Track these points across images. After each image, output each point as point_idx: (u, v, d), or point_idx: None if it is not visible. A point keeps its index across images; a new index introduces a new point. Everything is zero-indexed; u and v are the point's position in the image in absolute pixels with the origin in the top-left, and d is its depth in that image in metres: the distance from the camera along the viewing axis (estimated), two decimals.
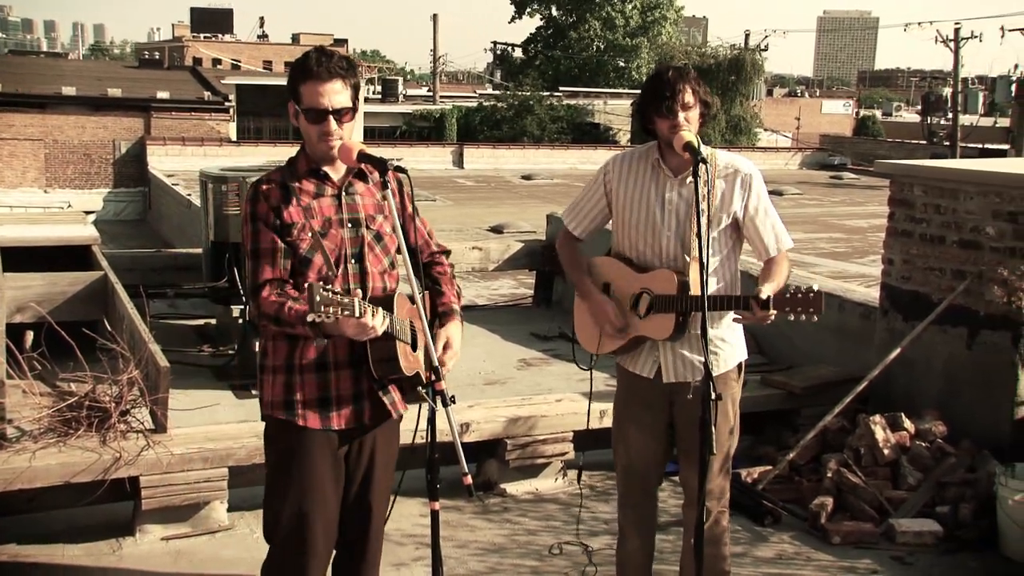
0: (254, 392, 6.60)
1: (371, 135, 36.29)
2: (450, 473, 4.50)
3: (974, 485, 4.70)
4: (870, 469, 4.92)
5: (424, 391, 2.91)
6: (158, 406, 4.48)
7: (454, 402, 2.90)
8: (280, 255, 2.94)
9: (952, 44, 38.65)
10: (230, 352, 7.48)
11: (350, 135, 2.99)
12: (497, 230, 18.49)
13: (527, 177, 31.55)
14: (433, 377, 2.89)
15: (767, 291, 3.26)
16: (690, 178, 3.38)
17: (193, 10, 68.10)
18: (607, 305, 3.52)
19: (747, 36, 45.54)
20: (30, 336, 6.28)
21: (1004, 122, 48.31)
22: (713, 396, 3.09)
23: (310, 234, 2.95)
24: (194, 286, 7.79)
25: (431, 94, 46.25)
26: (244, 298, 7.23)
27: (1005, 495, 4.38)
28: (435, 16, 47.77)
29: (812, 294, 3.20)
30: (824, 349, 6.29)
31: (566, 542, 4.55)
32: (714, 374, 3.49)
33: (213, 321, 8.25)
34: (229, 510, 4.63)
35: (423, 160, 32.02)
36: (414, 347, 3.09)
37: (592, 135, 41.06)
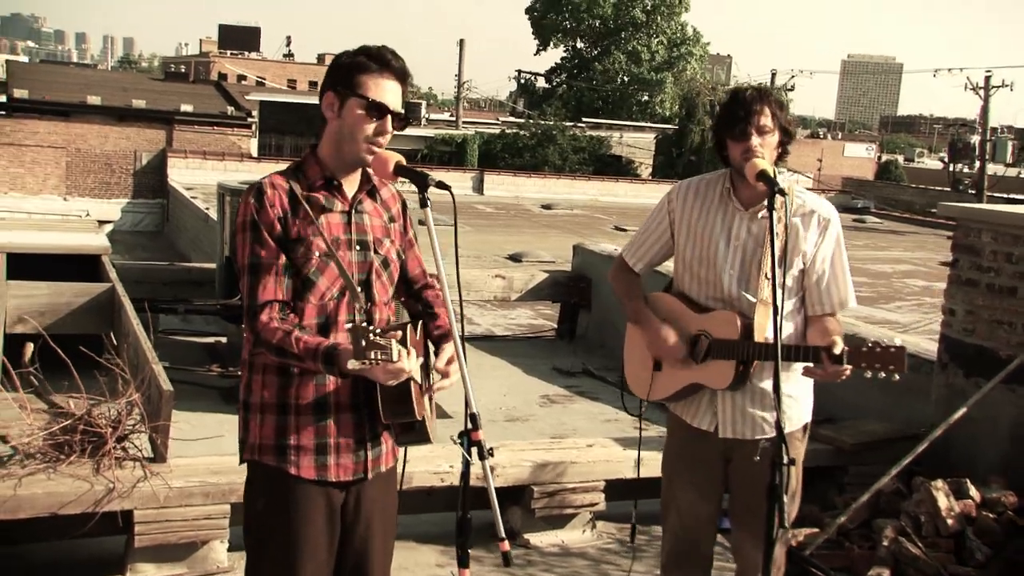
0: None
1: None
2: (475, 517, 4.06)
3: None
4: (931, 540, 4.49)
5: (459, 441, 2.52)
6: (158, 433, 4.10)
7: (492, 455, 2.52)
8: (283, 273, 2.54)
9: (982, 91, 38.32)
10: (239, 374, 7.12)
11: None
12: (516, 258, 18.16)
13: (547, 206, 31.26)
14: (470, 426, 2.51)
15: (841, 343, 2.88)
16: (762, 212, 3.02)
17: (221, 27, 68.56)
18: (667, 332, 3.12)
19: (773, 75, 45.34)
20: (30, 348, 5.95)
21: None
22: (786, 460, 2.71)
23: (317, 254, 2.55)
24: (206, 302, 7.45)
25: (453, 119, 46.12)
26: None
27: None
28: (462, 41, 47.78)
29: (894, 349, 2.83)
30: (868, 401, 5.86)
31: None
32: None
33: (224, 340, 7.91)
34: (230, 550, 4.24)
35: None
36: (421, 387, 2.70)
37: (614, 167, 40.77)
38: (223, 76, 54.43)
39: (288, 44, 68.64)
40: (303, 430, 2.57)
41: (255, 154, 30.59)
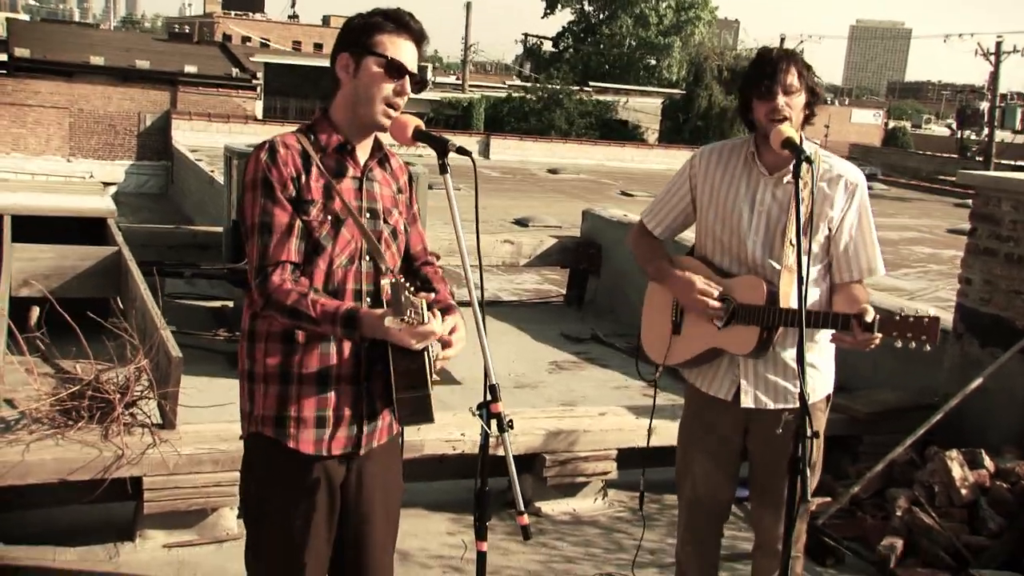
0: None
1: None
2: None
3: None
4: (944, 510, 4.46)
5: (478, 413, 2.46)
6: (167, 400, 4.06)
7: (511, 427, 2.47)
8: (297, 234, 2.44)
9: (992, 57, 37.96)
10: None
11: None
12: (522, 223, 18.08)
13: (553, 171, 31.09)
14: (490, 397, 2.45)
15: (872, 311, 2.82)
16: (787, 178, 2.95)
17: None
18: (692, 277, 3.03)
19: (782, 40, 44.89)
20: (36, 312, 5.89)
21: None
22: (809, 433, 2.65)
23: (330, 218, 2.46)
24: (213, 266, 7.39)
25: (460, 83, 45.78)
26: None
27: None
28: (468, 4, 47.32)
29: (927, 320, 2.77)
30: (879, 371, 5.81)
31: (608, 574, 4.12)
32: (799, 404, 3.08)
33: (231, 304, 7.85)
34: (239, 517, 4.21)
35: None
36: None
37: (620, 132, 40.49)
38: (227, 37, 53.99)
39: (293, 5, 68.02)
40: (304, 401, 2.49)
41: (260, 116, 30.38)
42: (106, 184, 16.30)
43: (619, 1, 53.84)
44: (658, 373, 3.19)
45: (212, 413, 4.55)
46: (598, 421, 4.79)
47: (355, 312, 2.36)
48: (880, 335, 2.80)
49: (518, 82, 48.35)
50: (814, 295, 3.04)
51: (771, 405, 3.08)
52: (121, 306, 5.09)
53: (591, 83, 44.76)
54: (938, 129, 69.10)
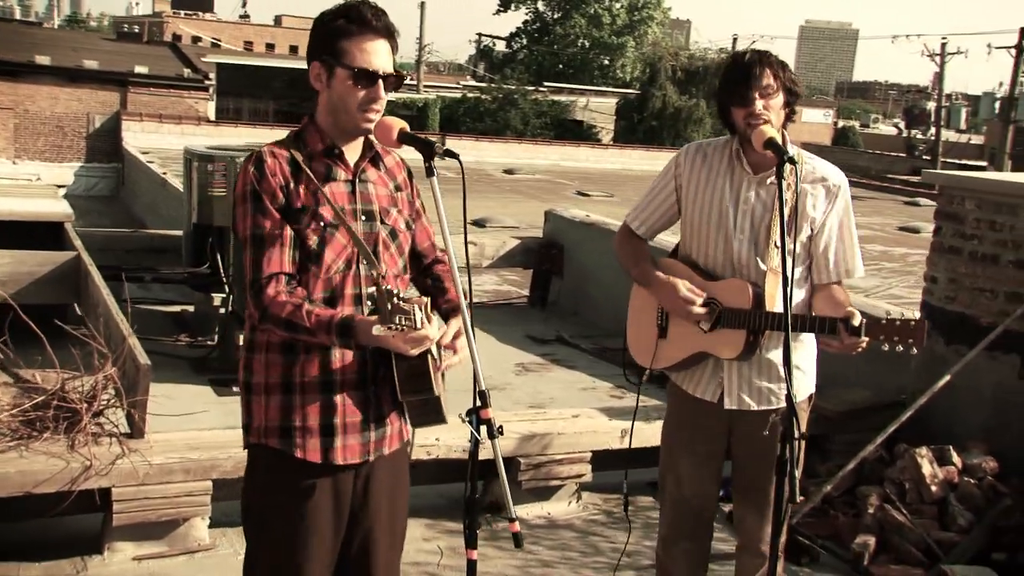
0: (235, 389, 6.14)
1: None
2: (455, 491, 3.98)
3: None
4: (915, 507, 4.51)
5: (467, 419, 2.44)
6: (136, 409, 3.97)
7: (501, 433, 2.45)
8: (289, 244, 2.42)
9: (937, 58, 38.63)
10: (209, 343, 6.98)
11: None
12: (479, 224, 18.00)
13: (509, 171, 31.03)
14: (479, 403, 2.42)
15: (859, 315, 2.83)
16: (771, 178, 2.95)
17: None
18: (676, 282, 3.01)
19: (735, 40, 45.42)
20: None
21: (977, 139, 48.65)
22: (797, 435, 2.65)
23: (323, 224, 2.44)
24: (173, 270, 7.26)
25: (414, 83, 45.61)
26: (228, 287, 6.74)
27: None
28: (423, 3, 47.13)
29: (913, 323, 2.78)
30: (848, 369, 5.86)
31: None
32: (783, 405, 3.08)
33: (191, 308, 7.73)
34: (211, 526, 4.14)
35: (403, 150, 31.27)
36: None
37: (575, 132, 40.58)
38: (177, 37, 53.25)
39: (244, 5, 67.33)
40: (309, 410, 2.46)
41: (213, 118, 29.96)
42: (56, 187, 15.95)
43: (572, 1, 54.03)
44: (645, 377, 3.18)
45: (179, 421, 4.47)
46: (571, 424, 4.77)
47: (349, 320, 2.33)
48: (867, 339, 2.80)
49: (473, 82, 48.29)
50: (798, 296, 3.05)
51: (755, 406, 3.08)
52: (80, 312, 4.98)
53: (545, 83, 44.85)
54: (886, 128, 70.09)
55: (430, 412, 2.58)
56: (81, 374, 4.06)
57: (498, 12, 55.65)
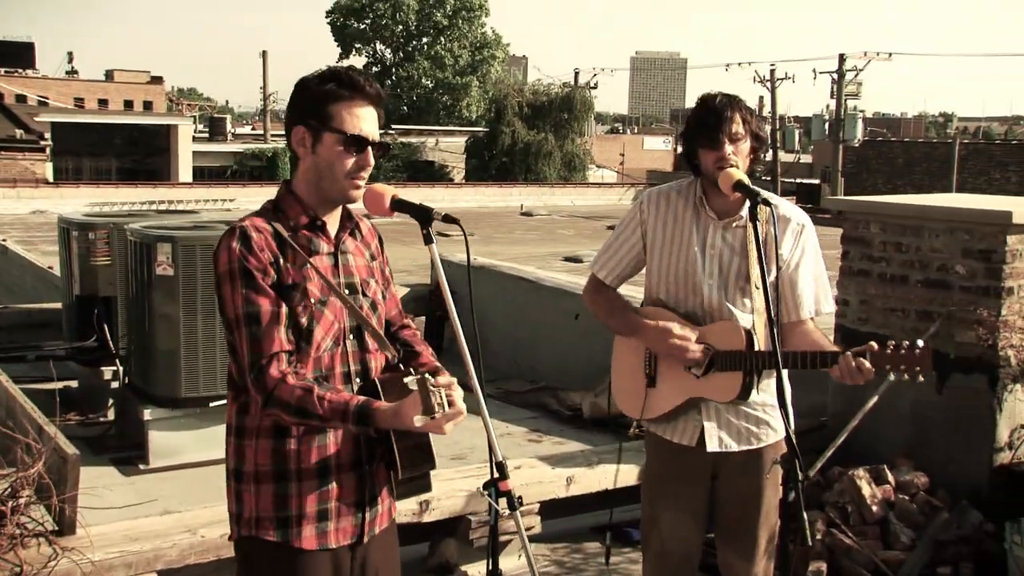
0: (141, 466, 5.80)
1: (201, 175, 34.66)
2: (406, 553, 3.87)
3: (968, 542, 4.45)
4: (858, 528, 4.60)
5: (486, 492, 2.34)
6: (68, 504, 3.67)
7: (521, 503, 2.36)
8: (284, 321, 2.29)
9: (768, 84, 40.50)
10: (102, 420, 6.57)
11: None
12: None
13: (367, 216, 30.79)
14: (497, 475, 2.33)
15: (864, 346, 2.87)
16: (736, 222, 2.99)
17: None
18: (669, 325, 2.98)
19: (576, 74, 46.41)
20: None
21: (806, 159, 51.42)
22: (800, 477, 2.65)
23: (313, 301, 2.33)
24: (58, 346, 6.82)
25: (261, 133, 44.84)
26: (120, 360, 6.38)
27: (1020, 554, 4.12)
28: (264, 53, 46.44)
29: (919, 350, 2.81)
30: None
31: None
32: (763, 444, 3.11)
33: (74, 384, 7.26)
34: None
35: (257, 201, 30.05)
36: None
37: (427, 173, 40.68)
38: (0, 96, 50.76)
39: (71, 61, 64.84)
40: (306, 497, 2.34)
41: (51, 179, 28.64)
42: None
43: (414, 43, 54.37)
44: (635, 429, 3.13)
45: (102, 510, 4.17)
46: (515, 476, 4.66)
47: (366, 408, 2.22)
48: (873, 369, 2.83)
49: None
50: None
51: (735, 447, 3.08)
52: None
53: (393, 126, 44.80)
54: None
55: (419, 482, 2.49)
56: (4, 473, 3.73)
57: (340, 59, 55.44)
